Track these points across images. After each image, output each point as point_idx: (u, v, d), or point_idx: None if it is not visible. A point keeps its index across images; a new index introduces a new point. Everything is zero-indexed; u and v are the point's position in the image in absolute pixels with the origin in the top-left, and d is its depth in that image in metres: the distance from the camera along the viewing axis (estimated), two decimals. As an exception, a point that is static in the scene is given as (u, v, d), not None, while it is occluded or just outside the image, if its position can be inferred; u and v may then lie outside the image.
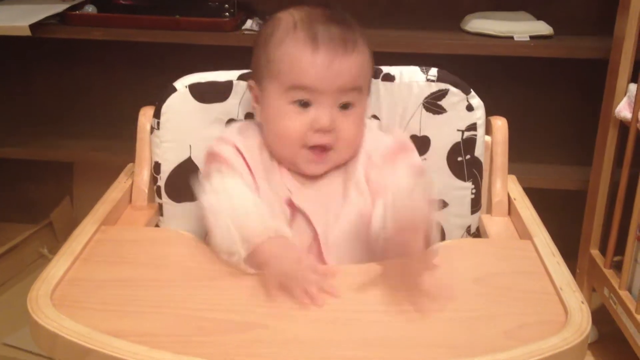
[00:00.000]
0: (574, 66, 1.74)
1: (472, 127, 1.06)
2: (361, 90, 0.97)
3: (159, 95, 1.08)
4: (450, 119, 1.06)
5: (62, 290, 0.80)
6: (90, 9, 1.74)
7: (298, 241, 0.95)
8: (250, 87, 1.02)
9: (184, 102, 1.06)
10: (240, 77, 1.08)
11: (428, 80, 1.06)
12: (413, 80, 1.07)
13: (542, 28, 1.71)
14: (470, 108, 1.06)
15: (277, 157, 0.99)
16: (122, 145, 1.83)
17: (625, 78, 1.54)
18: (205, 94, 1.06)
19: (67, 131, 1.95)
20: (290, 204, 0.96)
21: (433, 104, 1.06)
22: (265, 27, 1.00)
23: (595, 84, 1.66)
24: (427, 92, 1.06)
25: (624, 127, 1.56)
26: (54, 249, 1.93)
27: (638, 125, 1.47)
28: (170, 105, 1.06)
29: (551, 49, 1.66)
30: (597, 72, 1.63)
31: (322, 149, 0.95)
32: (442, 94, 1.06)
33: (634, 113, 1.48)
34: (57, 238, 1.98)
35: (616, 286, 1.52)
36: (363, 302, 0.80)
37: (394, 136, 1.02)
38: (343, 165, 0.99)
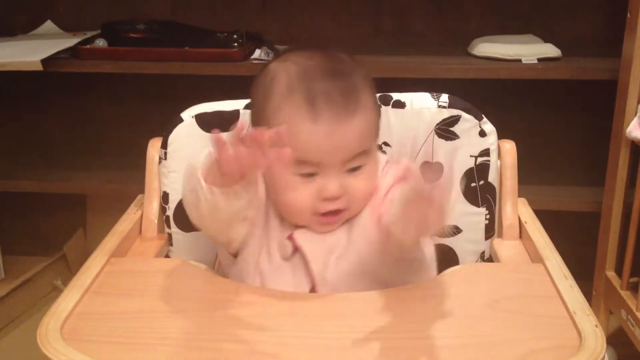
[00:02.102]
0: (583, 87, 1.74)
1: (485, 152, 1.06)
2: (369, 151, 0.92)
3: (166, 125, 1.08)
4: (463, 145, 1.06)
5: (72, 323, 0.80)
6: (100, 42, 1.76)
7: (302, 277, 0.93)
8: None
9: (191, 132, 1.07)
10: (247, 107, 1.07)
11: (439, 106, 1.06)
12: (424, 107, 1.06)
13: (550, 50, 1.71)
14: (482, 134, 1.06)
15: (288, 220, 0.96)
16: (134, 176, 1.83)
17: (635, 98, 1.54)
18: (212, 123, 1.06)
19: (79, 163, 1.96)
20: (292, 240, 0.94)
21: (445, 130, 1.06)
22: (260, 85, 0.93)
23: (604, 104, 1.66)
24: (438, 119, 1.06)
25: (635, 147, 1.55)
26: (68, 281, 1.90)
27: (649, 145, 1.47)
28: (177, 135, 1.06)
29: (559, 71, 1.66)
30: (606, 93, 1.63)
31: (334, 212, 0.92)
32: (454, 120, 1.06)
33: (645, 133, 1.47)
34: (71, 270, 1.99)
35: (633, 308, 1.50)
36: (374, 329, 0.79)
37: (402, 165, 0.97)
38: None
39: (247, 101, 1.08)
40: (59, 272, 1.97)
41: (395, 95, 1.08)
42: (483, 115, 1.06)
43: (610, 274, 1.65)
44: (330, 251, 0.94)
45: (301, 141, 0.87)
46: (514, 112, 1.86)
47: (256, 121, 0.95)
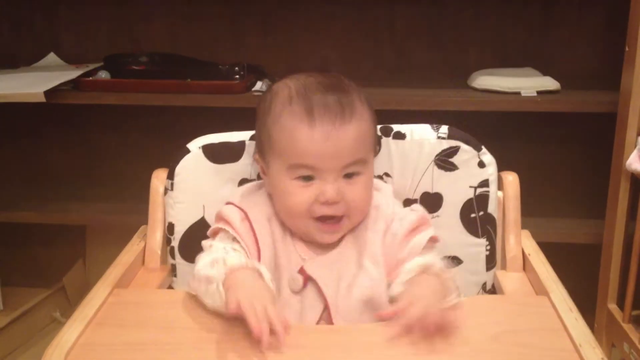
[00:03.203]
0: (582, 120, 1.74)
1: (485, 183, 1.06)
2: (365, 159, 0.96)
3: (172, 157, 1.09)
4: (462, 176, 1.06)
5: (75, 355, 0.80)
6: (103, 74, 1.77)
7: (309, 310, 0.95)
8: (256, 160, 1.03)
9: (198, 163, 1.07)
10: (252, 138, 1.08)
11: (439, 137, 1.07)
12: (424, 138, 1.07)
13: (549, 83, 1.72)
14: (482, 165, 1.06)
15: (289, 228, 0.99)
16: (135, 207, 1.83)
17: (634, 131, 1.54)
18: (218, 154, 1.07)
19: (79, 194, 1.96)
20: (303, 272, 0.96)
21: (445, 161, 1.07)
22: (262, 100, 1.00)
23: (603, 137, 1.66)
24: (438, 150, 1.07)
25: (635, 179, 1.56)
26: (67, 313, 1.92)
27: (649, 177, 1.47)
28: (184, 166, 1.07)
29: (558, 104, 1.67)
30: (605, 126, 1.64)
31: (334, 218, 0.95)
32: (453, 151, 1.06)
33: (645, 166, 1.48)
34: (70, 302, 1.98)
35: (636, 341, 1.49)
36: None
37: (416, 212, 1.01)
38: (356, 232, 0.99)
39: (253, 132, 1.09)
40: (58, 304, 1.96)
41: (396, 127, 1.09)
42: (482, 146, 1.07)
43: (612, 306, 1.64)
44: (340, 278, 0.95)
45: (299, 146, 0.92)
46: (513, 145, 1.87)
47: (259, 137, 0.99)
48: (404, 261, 0.95)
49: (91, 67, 1.81)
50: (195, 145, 1.08)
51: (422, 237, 0.97)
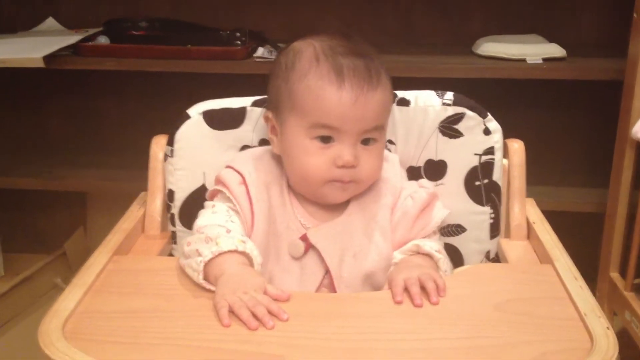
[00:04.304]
0: (587, 88, 1.73)
1: (490, 150, 1.05)
2: (383, 127, 0.97)
3: (172, 123, 1.07)
4: (467, 143, 1.05)
5: (74, 323, 0.79)
6: (102, 39, 1.75)
7: (310, 276, 0.95)
8: (266, 118, 1.00)
9: (198, 129, 1.05)
10: (254, 104, 1.07)
11: (444, 104, 1.05)
12: (429, 104, 1.06)
13: (555, 50, 1.69)
14: (487, 132, 1.05)
15: (298, 188, 0.98)
16: (135, 174, 1.82)
17: (641, 99, 1.53)
18: (219, 120, 1.06)
19: (80, 161, 1.95)
20: (305, 239, 0.95)
21: (449, 128, 1.05)
22: (283, 56, 0.97)
23: (609, 105, 1.65)
24: (443, 116, 1.05)
25: (640, 148, 1.55)
26: (68, 279, 1.89)
27: (655, 146, 1.46)
28: (184, 132, 1.05)
29: (564, 71, 1.65)
30: (611, 94, 1.62)
31: (343, 182, 0.94)
32: (458, 117, 1.04)
33: (651, 134, 1.46)
34: (71, 268, 1.97)
35: (638, 309, 1.49)
36: (382, 330, 0.78)
37: (426, 190, 1.01)
38: (362, 202, 0.99)
39: (254, 98, 1.07)
40: (59, 270, 1.96)
41: (400, 93, 1.07)
42: (488, 113, 1.05)
43: (614, 275, 1.64)
44: (345, 248, 0.95)
45: (325, 105, 0.90)
46: (517, 112, 1.85)
47: (276, 94, 0.97)
48: (412, 240, 0.96)
49: (90, 32, 1.78)
50: (196, 111, 1.06)
51: (435, 220, 0.98)
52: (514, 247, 1.02)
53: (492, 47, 1.72)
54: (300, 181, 0.96)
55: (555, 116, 1.92)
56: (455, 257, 1.06)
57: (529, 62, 1.67)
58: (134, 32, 1.80)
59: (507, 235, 1.06)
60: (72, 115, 2.05)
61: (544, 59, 1.67)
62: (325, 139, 0.92)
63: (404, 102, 1.06)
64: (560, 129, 1.93)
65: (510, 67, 1.66)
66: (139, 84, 1.96)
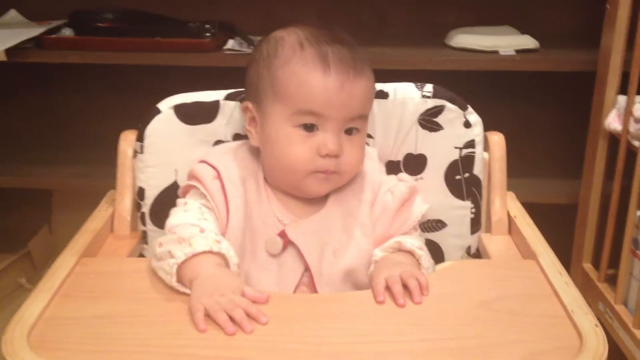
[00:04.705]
0: (560, 79, 1.72)
1: (470, 144, 1.03)
2: (366, 117, 0.95)
3: (141, 117, 1.03)
4: (447, 136, 1.03)
5: (40, 330, 0.75)
6: (67, 32, 1.70)
7: (288, 273, 0.92)
8: (245, 109, 0.97)
9: (169, 124, 1.02)
10: (228, 97, 1.03)
11: (423, 96, 1.03)
12: (408, 97, 1.03)
13: (528, 42, 1.70)
14: (467, 124, 1.02)
15: (277, 182, 0.95)
16: (102, 171, 1.78)
17: (614, 90, 1.53)
18: (191, 115, 1.02)
19: (44, 158, 1.89)
20: (283, 235, 0.93)
21: (429, 121, 1.02)
22: (265, 44, 0.95)
23: (581, 96, 1.64)
24: (422, 109, 1.03)
25: (613, 139, 1.54)
26: (33, 279, 1.88)
27: (628, 137, 1.45)
28: (155, 127, 1.01)
29: (537, 63, 1.65)
30: (583, 85, 1.62)
31: (327, 172, 0.92)
32: (438, 110, 1.02)
33: (624, 125, 1.46)
34: (36, 267, 1.92)
35: (612, 301, 1.49)
36: (365, 332, 0.76)
37: (406, 184, 1.00)
38: (340, 197, 0.96)
39: (228, 92, 1.04)
40: (24, 269, 1.90)
41: (378, 86, 1.04)
42: (468, 106, 1.03)
43: (587, 266, 1.64)
44: (324, 244, 0.93)
45: (310, 91, 0.88)
46: (490, 104, 1.82)
47: (257, 83, 0.94)
48: (392, 237, 0.94)
49: (54, 24, 1.73)
50: (166, 105, 1.02)
51: (415, 215, 0.97)
52: (496, 242, 1.00)
53: (465, 39, 1.71)
54: (282, 172, 0.93)
55: (527, 107, 1.92)
56: (436, 253, 1.04)
57: (501, 53, 1.67)
58: (100, 24, 1.75)
59: (488, 229, 1.04)
60: (36, 111, 1.99)
61: (517, 51, 1.67)
62: (309, 127, 0.90)
63: (383, 95, 1.03)
64: (533, 120, 1.93)
65: (483, 59, 1.65)
66: (105, 78, 1.91)
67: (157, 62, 1.66)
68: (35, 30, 1.67)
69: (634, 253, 1.47)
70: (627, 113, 1.45)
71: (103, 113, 1.96)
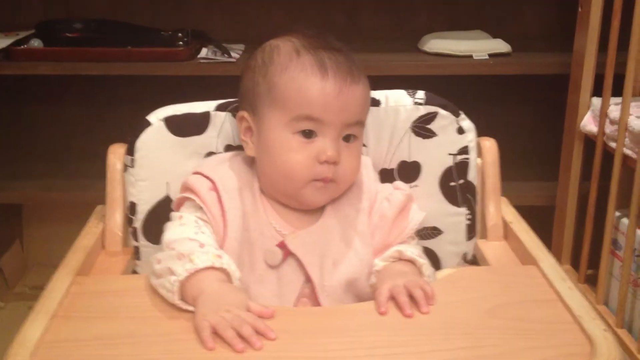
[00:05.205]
0: (532, 82, 1.74)
1: (464, 150, 1.02)
2: (363, 124, 0.94)
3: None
4: (440, 142, 1.02)
5: (43, 353, 0.72)
6: (36, 43, 1.66)
7: (288, 285, 0.91)
8: (240, 119, 0.95)
9: (160, 137, 0.99)
10: (218, 108, 1.01)
11: (416, 103, 1.02)
12: (400, 104, 1.03)
13: (500, 46, 1.72)
14: (461, 131, 1.02)
15: (274, 191, 0.94)
16: (74, 184, 1.75)
17: (588, 92, 1.55)
18: (182, 126, 1.00)
19: (14, 172, 1.85)
20: (283, 246, 0.91)
21: (422, 128, 1.02)
22: (259, 53, 0.94)
23: (554, 99, 1.67)
24: (415, 116, 1.02)
25: (588, 140, 1.56)
26: (5, 297, 1.84)
27: (604, 138, 1.47)
28: (145, 140, 0.99)
29: (511, 67, 1.67)
30: (556, 87, 1.64)
31: (325, 180, 0.91)
32: (431, 117, 1.02)
33: (600, 126, 1.48)
34: (8, 284, 1.87)
35: (593, 301, 1.50)
36: (373, 344, 0.75)
37: (402, 192, 0.99)
38: (337, 206, 0.95)
39: (218, 102, 1.02)
40: (-5, 287, 1.85)
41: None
42: (461, 112, 1.04)
43: (567, 267, 1.66)
44: (324, 255, 0.92)
45: (309, 96, 0.88)
46: (464, 109, 1.84)
47: (253, 91, 0.93)
48: (391, 245, 0.94)
49: (22, 35, 1.70)
50: (156, 117, 1.00)
51: (412, 223, 0.96)
52: (492, 248, 1.00)
53: (439, 43, 1.73)
54: (280, 181, 0.91)
55: (501, 112, 1.94)
56: (432, 260, 1.02)
57: (475, 58, 1.68)
58: (69, 35, 1.72)
59: (483, 235, 1.04)
60: (5, 123, 1.94)
61: (490, 55, 1.69)
62: (308, 134, 0.89)
63: (374, 102, 1.02)
64: (507, 124, 1.94)
65: (457, 63, 1.67)
66: (75, 89, 1.88)
67: (130, 72, 1.64)
68: (2, 42, 1.65)
69: (613, 253, 1.49)
70: (603, 115, 1.47)
71: (74, 125, 1.93)
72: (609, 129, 1.47)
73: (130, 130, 1.00)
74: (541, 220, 1.73)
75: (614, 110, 1.45)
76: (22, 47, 1.65)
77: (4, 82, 1.72)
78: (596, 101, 1.53)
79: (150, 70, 1.64)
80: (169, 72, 1.64)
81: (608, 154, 1.48)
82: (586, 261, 1.58)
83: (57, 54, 1.64)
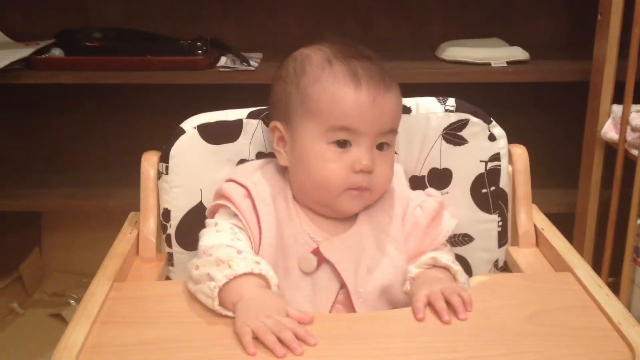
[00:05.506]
0: (552, 90, 1.74)
1: (496, 157, 1.03)
2: (397, 131, 0.95)
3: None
4: (472, 149, 1.03)
5: (87, 358, 0.73)
6: (57, 52, 1.66)
7: (323, 291, 0.91)
8: (273, 129, 0.95)
9: (194, 144, 1.00)
10: (250, 115, 1.02)
11: (446, 110, 1.03)
12: (431, 111, 1.03)
13: (518, 53, 1.71)
14: (492, 138, 1.03)
15: (308, 200, 0.94)
16: (93, 192, 1.75)
17: (608, 99, 1.55)
18: (215, 134, 1.01)
19: (34, 179, 1.86)
20: (317, 253, 0.91)
21: (453, 135, 1.02)
22: (291, 62, 0.94)
23: (573, 106, 1.66)
24: (446, 123, 1.03)
25: (608, 148, 1.56)
26: (24, 303, 1.84)
27: (626, 145, 1.48)
28: (179, 148, 1.00)
29: (529, 74, 1.67)
30: (576, 95, 1.64)
31: (360, 189, 0.91)
32: (462, 124, 1.02)
33: (621, 134, 1.48)
34: (27, 291, 1.88)
35: (614, 309, 1.50)
36: (412, 350, 0.75)
37: (435, 198, 1.00)
38: (370, 213, 0.96)
39: (250, 110, 1.03)
40: (15, 294, 1.85)
41: (401, 101, 1.04)
42: (492, 119, 1.04)
43: (587, 275, 1.65)
44: (358, 262, 0.92)
45: (343, 107, 0.88)
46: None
47: (285, 102, 0.93)
48: (424, 252, 0.94)
49: (42, 44, 1.70)
50: (190, 125, 1.01)
51: (445, 230, 0.96)
52: (525, 255, 1.00)
53: (457, 51, 1.72)
54: (315, 191, 0.92)
55: (519, 119, 1.93)
56: (464, 267, 1.02)
57: (493, 65, 1.68)
58: (88, 44, 1.72)
59: (515, 242, 1.04)
60: (24, 132, 1.96)
61: (508, 62, 1.68)
62: (342, 144, 0.89)
63: (405, 110, 1.03)
64: (526, 131, 1.92)
65: (475, 71, 1.66)
66: (94, 98, 1.88)
67: (150, 80, 1.64)
68: (23, 51, 1.64)
69: (635, 261, 1.49)
70: (624, 122, 1.47)
71: (92, 133, 1.93)
72: (630, 136, 1.47)
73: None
74: (561, 228, 1.73)
75: (635, 118, 1.45)
76: (43, 56, 1.65)
77: (25, 91, 1.73)
78: (617, 108, 1.53)
79: (170, 79, 1.64)
80: (188, 81, 1.64)
81: (630, 161, 1.48)
82: (607, 269, 1.58)
83: (78, 63, 1.65)
